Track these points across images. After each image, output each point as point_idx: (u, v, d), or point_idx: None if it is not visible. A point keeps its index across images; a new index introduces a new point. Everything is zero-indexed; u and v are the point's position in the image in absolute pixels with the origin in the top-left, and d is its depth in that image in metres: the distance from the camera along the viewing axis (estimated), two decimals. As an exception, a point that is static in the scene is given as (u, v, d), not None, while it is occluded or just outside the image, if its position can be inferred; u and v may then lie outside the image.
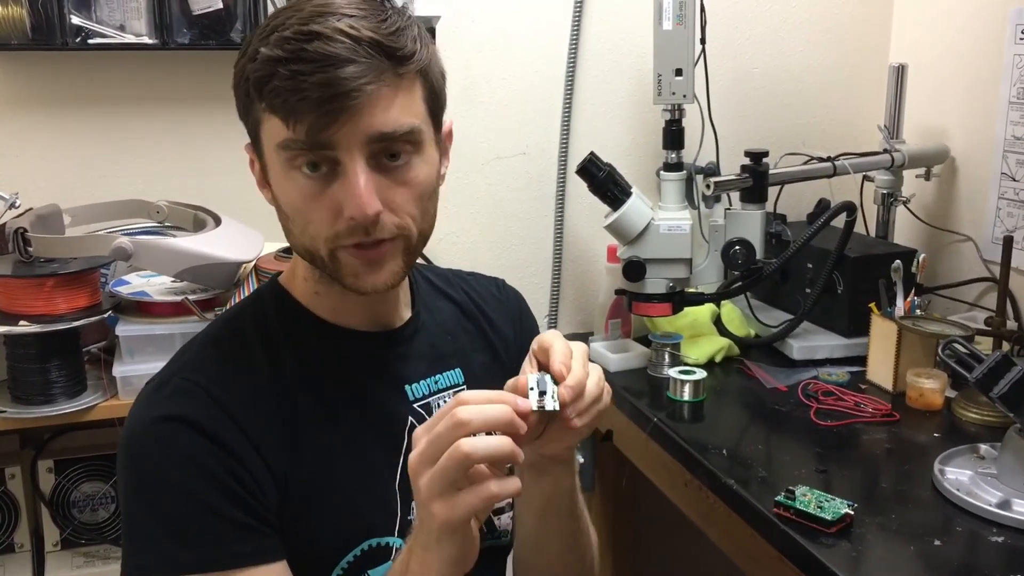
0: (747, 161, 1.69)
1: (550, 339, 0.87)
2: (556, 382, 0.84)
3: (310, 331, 1.00)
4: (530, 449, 0.93)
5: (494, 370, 1.11)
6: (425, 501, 0.78)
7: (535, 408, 0.82)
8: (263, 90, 0.86)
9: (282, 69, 0.84)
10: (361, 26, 0.85)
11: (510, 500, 1.10)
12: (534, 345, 0.88)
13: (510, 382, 0.86)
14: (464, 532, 0.80)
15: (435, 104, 0.94)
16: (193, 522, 0.88)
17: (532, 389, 0.83)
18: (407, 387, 1.03)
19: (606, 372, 0.93)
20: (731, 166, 1.74)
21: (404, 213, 0.91)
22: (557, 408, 0.82)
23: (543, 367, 0.87)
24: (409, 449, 0.98)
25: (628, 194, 1.62)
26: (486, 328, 1.14)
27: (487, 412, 0.78)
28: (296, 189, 0.89)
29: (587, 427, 0.90)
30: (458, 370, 1.08)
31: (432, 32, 1.64)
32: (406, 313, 1.07)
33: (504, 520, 1.10)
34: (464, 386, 1.08)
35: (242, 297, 1.52)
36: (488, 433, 0.79)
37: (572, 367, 0.85)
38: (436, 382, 1.06)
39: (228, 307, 1.53)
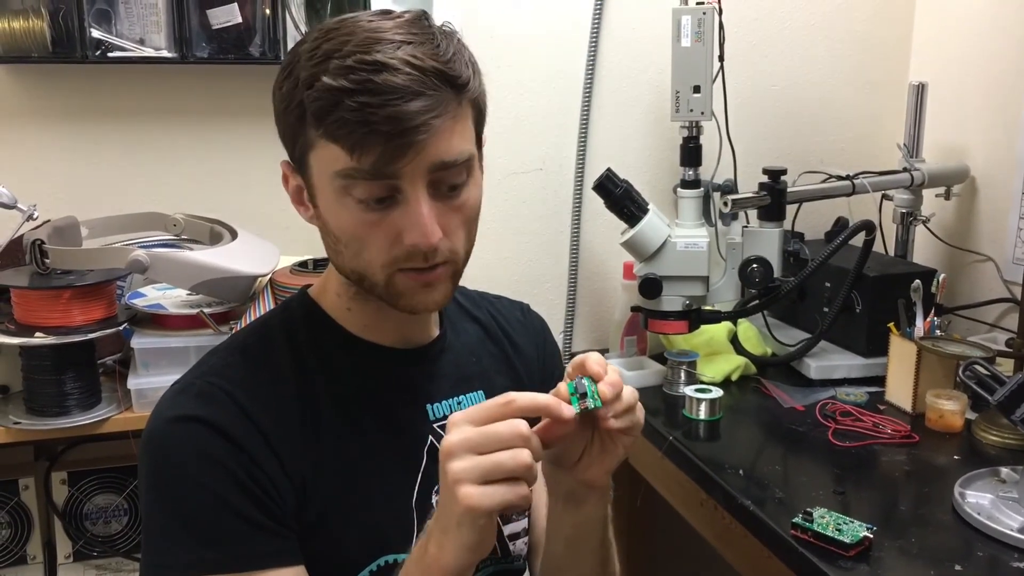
0: (765, 179, 1.68)
1: (584, 355, 0.87)
2: (594, 383, 0.84)
3: (338, 344, 1.00)
4: (570, 476, 0.93)
5: None
6: (452, 484, 0.77)
7: (578, 410, 0.82)
8: (324, 119, 0.85)
9: (348, 100, 0.83)
10: (423, 54, 0.85)
11: (525, 525, 1.10)
12: (568, 368, 0.88)
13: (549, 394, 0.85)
14: (485, 521, 0.80)
15: (481, 126, 0.95)
16: (212, 521, 0.88)
17: (573, 395, 0.83)
18: (428, 406, 1.03)
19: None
20: (749, 184, 1.73)
21: (456, 237, 0.92)
22: (600, 405, 0.83)
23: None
24: (427, 468, 0.99)
25: (645, 211, 1.62)
26: (510, 352, 1.14)
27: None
28: (351, 216, 0.89)
29: (623, 446, 0.90)
30: (480, 392, 1.08)
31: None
32: (434, 331, 1.07)
33: (519, 545, 1.09)
34: None
35: (257, 311, 1.52)
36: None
37: (610, 371, 0.86)
38: (459, 403, 1.05)
39: (244, 319, 1.53)
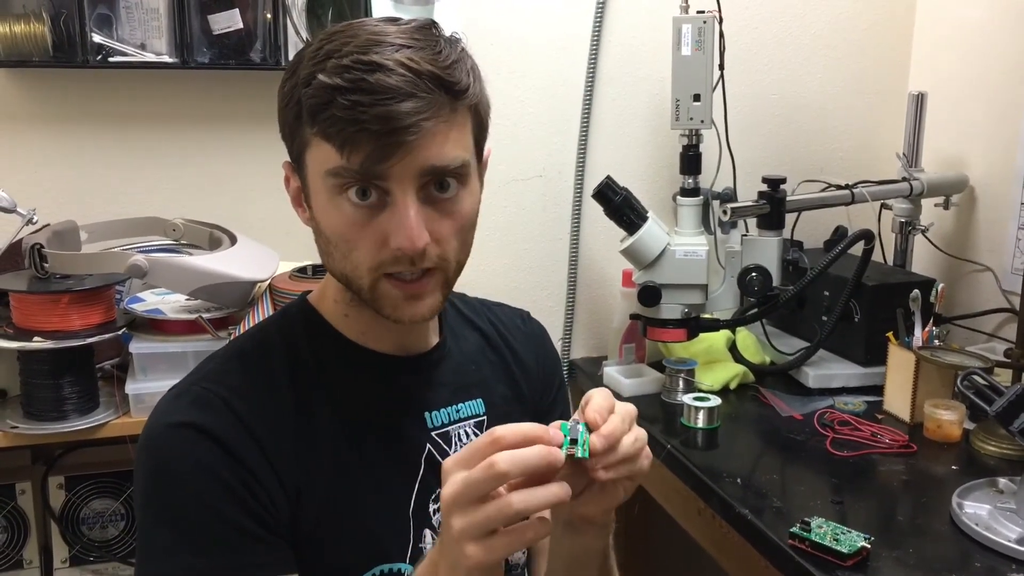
0: (764, 187, 1.69)
1: (592, 392, 0.85)
2: (590, 431, 0.81)
3: (336, 351, 1.00)
4: (567, 508, 0.91)
5: (515, 403, 1.10)
6: (459, 540, 0.76)
7: (565, 455, 0.78)
8: (318, 116, 0.85)
9: (340, 98, 0.83)
10: (420, 58, 0.85)
11: None
12: (583, 401, 0.86)
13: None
14: (494, 569, 0.79)
15: (481, 136, 0.94)
16: (204, 529, 0.88)
17: (565, 437, 0.80)
18: (427, 414, 1.02)
19: (618, 397, 0.92)
20: (748, 192, 1.73)
21: (447, 244, 0.91)
22: (587, 455, 0.79)
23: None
24: (425, 476, 0.98)
25: (644, 219, 1.62)
26: (510, 360, 1.13)
27: (526, 459, 0.75)
28: (342, 216, 0.89)
29: (623, 489, 0.88)
30: (479, 400, 1.07)
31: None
32: (434, 339, 1.06)
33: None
34: (484, 417, 1.06)
35: (256, 316, 1.52)
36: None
37: (610, 420, 0.82)
38: (457, 411, 1.05)
39: (243, 324, 1.53)
